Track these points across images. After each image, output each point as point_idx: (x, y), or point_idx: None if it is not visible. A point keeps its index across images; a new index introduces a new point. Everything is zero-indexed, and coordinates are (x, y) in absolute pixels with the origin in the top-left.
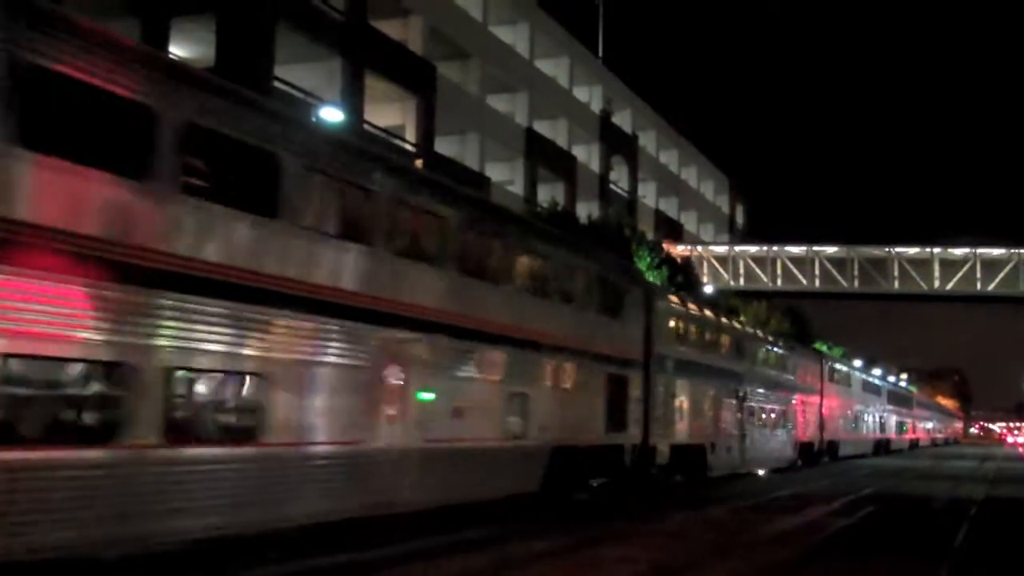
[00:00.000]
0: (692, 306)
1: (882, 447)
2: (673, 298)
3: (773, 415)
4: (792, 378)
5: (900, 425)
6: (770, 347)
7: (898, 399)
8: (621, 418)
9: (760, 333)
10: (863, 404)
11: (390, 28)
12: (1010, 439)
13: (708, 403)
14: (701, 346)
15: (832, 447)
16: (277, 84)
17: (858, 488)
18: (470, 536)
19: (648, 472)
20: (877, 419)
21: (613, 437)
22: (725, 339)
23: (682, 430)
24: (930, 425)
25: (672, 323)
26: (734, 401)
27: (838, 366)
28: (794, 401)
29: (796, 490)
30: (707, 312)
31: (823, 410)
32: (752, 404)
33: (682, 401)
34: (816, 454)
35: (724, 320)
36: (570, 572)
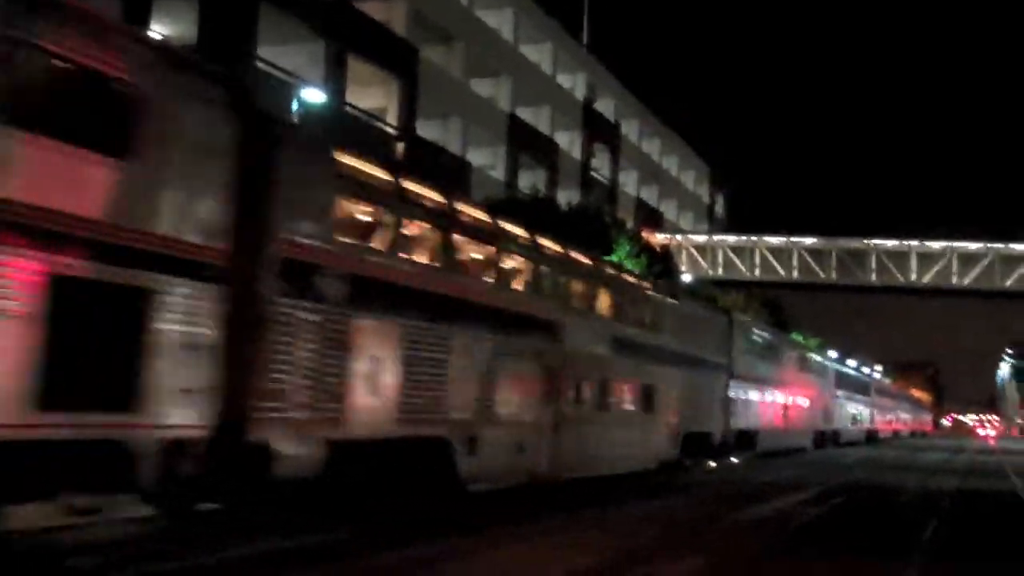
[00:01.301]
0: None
1: (827, 439)
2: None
3: (628, 394)
4: (674, 343)
5: (854, 415)
6: (624, 289)
7: (853, 385)
8: None
9: (596, 261)
10: (800, 387)
11: (374, 10)
12: (981, 431)
13: (459, 365)
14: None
15: (746, 439)
16: (260, 64)
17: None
18: None
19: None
20: (821, 406)
21: None
22: (495, 252)
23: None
24: (894, 416)
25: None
26: (536, 367)
27: (758, 335)
28: (676, 376)
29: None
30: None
31: (732, 391)
32: (580, 376)
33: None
34: (718, 448)
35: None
36: (539, 557)
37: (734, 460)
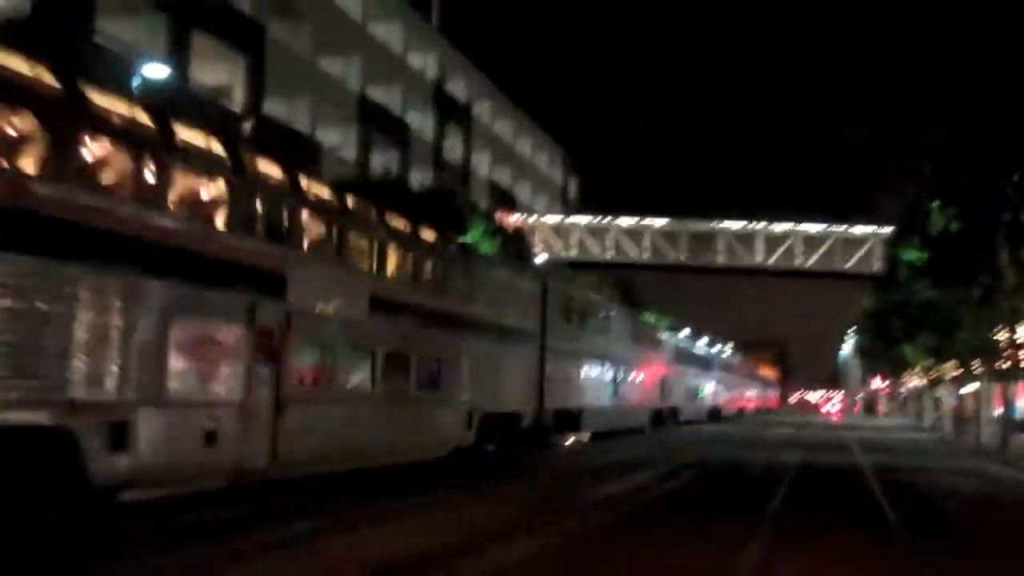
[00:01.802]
0: None
1: (666, 418)
2: None
3: (397, 367)
4: (464, 306)
5: (696, 392)
6: (391, 239)
7: (694, 361)
8: None
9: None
10: (634, 362)
11: None
12: (825, 408)
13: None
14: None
15: (568, 419)
16: (98, 38)
17: None
18: None
19: None
20: (658, 382)
21: None
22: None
23: None
24: (740, 392)
25: None
26: (239, 328)
27: (581, 303)
28: (468, 346)
29: None
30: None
31: (548, 366)
32: (321, 343)
33: None
34: (531, 431)
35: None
36: (398, 536)
37: (565, 444)
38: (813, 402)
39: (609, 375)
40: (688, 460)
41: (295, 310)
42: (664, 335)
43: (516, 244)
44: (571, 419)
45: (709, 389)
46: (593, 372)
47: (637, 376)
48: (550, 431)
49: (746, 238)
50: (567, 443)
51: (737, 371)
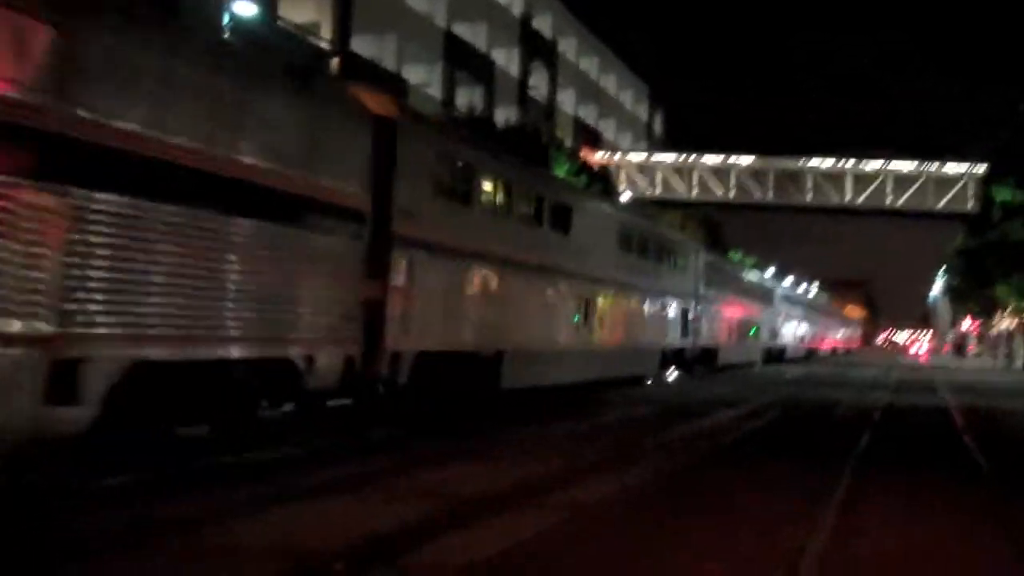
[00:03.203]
0: None
1: (774, 356)
2: None
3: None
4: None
5: (797, 332)
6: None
7: (795, 304)
8: None
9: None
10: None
11: None
12: (912, 349)
13: None
14: None
15: (708, 355)
16: None
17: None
18: None
19: None
20: (770, 324)
21: None
22: None
23: None
24: (832, 333)
25: None
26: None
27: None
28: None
29: None
30: None
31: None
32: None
33: None
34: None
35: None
36: (483, 474)
37: (669, 379)
38: (901, 342)
39: (735, 318)
40: (777, 398)
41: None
42: (773, 284)
43: (601, 182)
44: (710, 355)
45: (807, 330)
46: (725, 316)
47: (755, 320)
48: (695, 363)
49: (835, 176)
50: (669, 378)
51: (830, 312)
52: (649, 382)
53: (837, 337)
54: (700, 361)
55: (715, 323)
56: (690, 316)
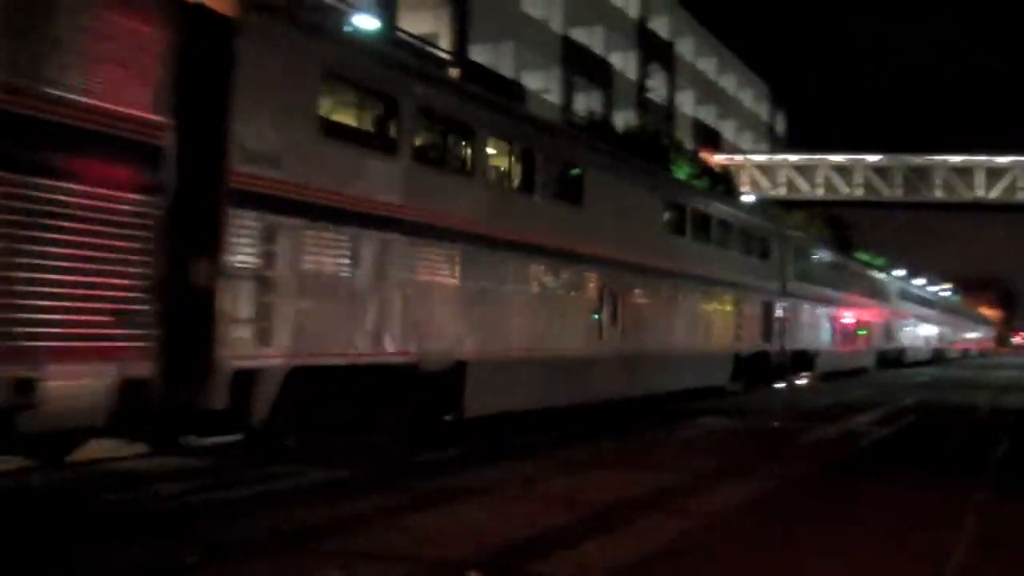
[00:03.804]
0: None
1: (891, 359)
2: None
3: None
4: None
5: (920, 333)
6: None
7: (918, 302)
8: None
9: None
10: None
11: None
12: None
13: None
14: None
15: (803, 360)
16: None
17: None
18: None
19: None
20: (884, 325)
21: None
22: None
23: None
24: (962, 334)
25: None
26: None
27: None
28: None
29: None
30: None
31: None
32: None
33: None
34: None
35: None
36: (614, 476)
37: (798, 382)
38: None
39: (839, 318)
40: (905, 403)
41: None
42: (889, 280)
43: (723, 184)
44: (806, 359)
45: (933, 331)
46: (824, 315)
47: (864, 319)
48: (788, 369)
49: (966, 171)
50: (798, 381)
51: (959, 312)
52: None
53: (969, 338)
54: (791, 367)
55: (810, 323)
56: (775, 315)
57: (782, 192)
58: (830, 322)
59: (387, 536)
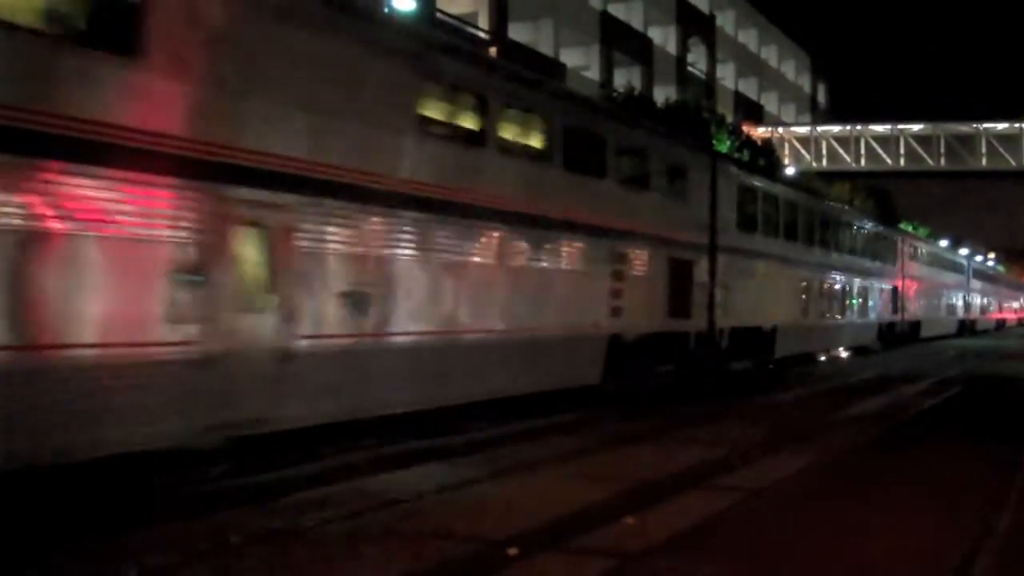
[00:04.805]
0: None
1: (966, 328)
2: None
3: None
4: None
5: (987, 305)
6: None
7: (984, 277)
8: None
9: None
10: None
11: None
12: None
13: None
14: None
15: (913, 328)
16: None
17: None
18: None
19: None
20: (963, 298)
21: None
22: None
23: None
24: (1019, 304)
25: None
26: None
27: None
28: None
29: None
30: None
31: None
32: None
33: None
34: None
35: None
36: (663, 450)
37: (844, 354)
38: None
39: (934, 293)
40: (963, 372)
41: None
42: (964, 259)
43: (765, 157)
44: (915, 327)
45: (995, 302)
46: (925, 292)
47: (950, 294)
48: (905, 334)
49: (1010, 139)
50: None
51: (997, 280)
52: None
53: (1020, 307)
54: (908, 333)
55: (917, 299)
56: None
57: (824, 164)
58: (929, 297)
59: (423, 513)
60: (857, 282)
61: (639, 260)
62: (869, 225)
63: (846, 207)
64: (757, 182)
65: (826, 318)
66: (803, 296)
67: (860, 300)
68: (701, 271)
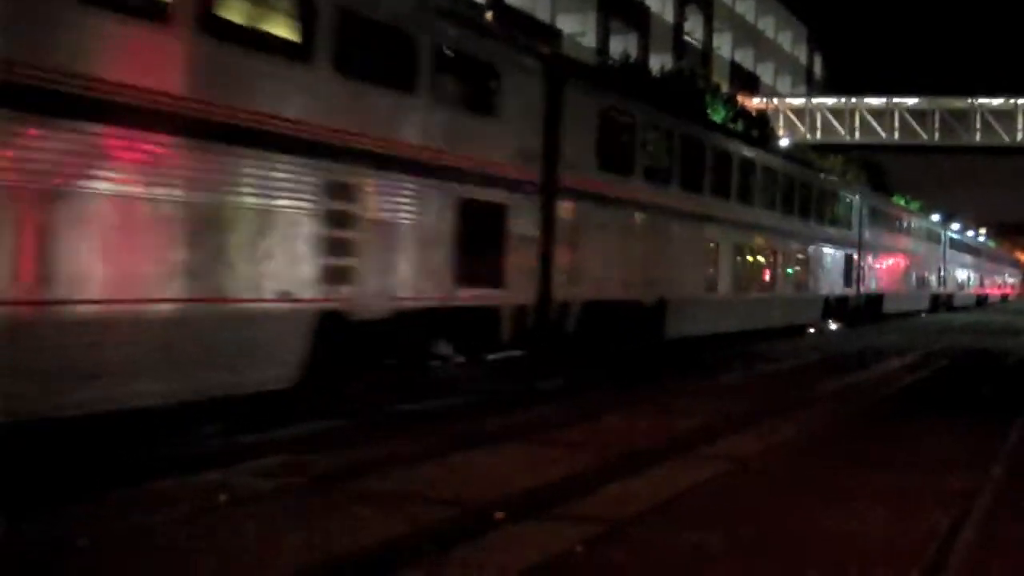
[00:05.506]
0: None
1: (941, 303)
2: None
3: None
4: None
5: (965, 279)
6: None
7: (964, 249)
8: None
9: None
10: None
11: None
12: None
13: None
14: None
15: (873, 303)
16: None
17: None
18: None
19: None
20: (936, 271)
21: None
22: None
23: None
24: (1003, 279)
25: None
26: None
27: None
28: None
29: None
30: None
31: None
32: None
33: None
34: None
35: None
36: (647, 421)
37: (832, 327)
38: None
39: (901, 266)
40: (941, 348)
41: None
42: (940, 229)
43: (759, 128)
44: (874, 302)
45: (976, 277)
46: (890, 263)
47: (921, 267)
48: (861, 310)
49: (1004, 114)
50: (832, 327)
51: (999, 258)
52: (811, 331)
53: (1009, 283)
54: (865, 309)
55: (880, 270)
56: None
57: (819, 136)
58: (895, 269)
59: (418, 476)
60: (795, 247)
61: (389, 196)
62: (817, 180)
63: (785, 155)
64: (636, 110)
65: (746, 291)
66: (711, 262)
67: (799, 269)
68: (527, 222)
